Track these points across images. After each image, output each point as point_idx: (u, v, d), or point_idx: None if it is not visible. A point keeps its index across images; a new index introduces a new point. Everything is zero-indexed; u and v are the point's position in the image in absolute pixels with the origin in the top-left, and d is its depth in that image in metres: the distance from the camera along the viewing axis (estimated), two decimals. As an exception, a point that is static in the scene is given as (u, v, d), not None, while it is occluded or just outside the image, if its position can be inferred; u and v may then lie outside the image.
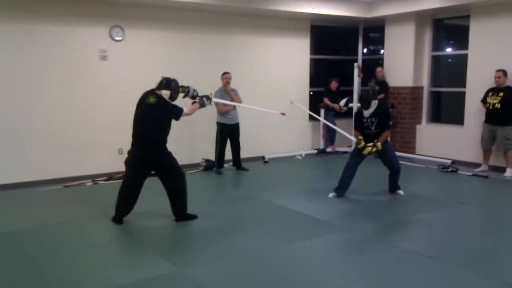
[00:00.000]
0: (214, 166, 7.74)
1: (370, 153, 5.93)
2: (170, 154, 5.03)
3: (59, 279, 3.72)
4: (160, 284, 3.63)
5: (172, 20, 7.74)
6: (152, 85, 7.35)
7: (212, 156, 7.83)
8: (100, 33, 7.14)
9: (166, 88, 4.90)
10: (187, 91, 5.33)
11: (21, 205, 5.88)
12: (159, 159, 4.94)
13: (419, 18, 8.84)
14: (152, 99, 4.88)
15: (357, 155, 6.07)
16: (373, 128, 5.92)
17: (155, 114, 4.86)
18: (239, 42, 8.48)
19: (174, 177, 5.02)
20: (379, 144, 5.83)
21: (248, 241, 4.58)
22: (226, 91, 7.47)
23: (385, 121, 5.93)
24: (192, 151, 8.06)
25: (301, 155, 9.09)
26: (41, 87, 6.79)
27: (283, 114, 6.95)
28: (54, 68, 6.85)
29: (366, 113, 5.90)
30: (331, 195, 6.06)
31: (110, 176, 7.14)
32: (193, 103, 5.25)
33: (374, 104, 5.87)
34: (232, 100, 7.38)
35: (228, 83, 7.50)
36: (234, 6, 7.69)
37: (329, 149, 9.40)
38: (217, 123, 7.58)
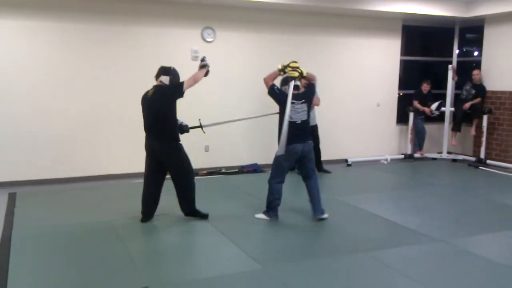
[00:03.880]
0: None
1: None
2: (180, 148, 4.96)
3: (150, 268, 3.93)
4: (246, 281, 3.69)
5: (261, 21, 7.85)
6: (239, 83, 7.51)
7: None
8: (192, 34, 7.42)
9: (165, 74, 4.96)
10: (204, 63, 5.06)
11: (118, 196, 6.26)
12: (167, 151, 4.91)
13: (524, 17, 8.19)
14: (150, 92, 4.95)
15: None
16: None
17: (156, 105, 4.87)
18: (326, 42, 8.39)
19: (181, 173, 4.99)
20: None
21: (331, 245, 4.52)
22: None
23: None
24: (270, 151, 8.07)
25: (386, 160, 8.80)
26: (135, 86, 7.17)
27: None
28: (149, 69, 7.21)
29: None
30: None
31: (197, 173, 7.38)
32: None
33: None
34: None
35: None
36: (324, 6, 7.62)
37: (417, 155, 9.01)
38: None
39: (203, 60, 5.10)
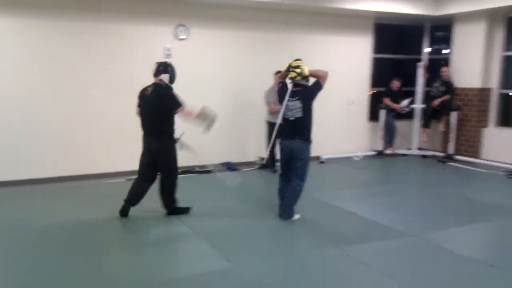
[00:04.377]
0: (268, 164, 7.77)
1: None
2: (172, 147, 5.03)
3: (121, 269, 3.88)
4: (215, 280, 3.68)
5: (234, 19, 7.83)
6: (213, 82, 7.50)
7: (264, 154, 7.86)
8: (165, 32, 7.35)
9: (165, 72, 5.00)
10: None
11: (89, 196, 6.16)
12: (162, 148, 5.00)
13: (491, 16, 8.40)
14: (149, 89, 5.01)
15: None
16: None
17: (153, 104, 4.93)
18: (299, 40, 8.43)
19: (167, 171, 5.09)
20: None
21: (302, 241, 4.57)
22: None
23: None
24: (243, 149, 8.13)
25: (358, 157, 8.92)
26: (107, 84, 7.08)
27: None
28: (120, 65, 7.13)
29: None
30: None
31: (140, 175, 7.31)
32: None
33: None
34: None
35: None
36: (296, 4, 7.66)
37: (388, 151, 9.16)
38: (267, 122, 7.57)
39: (204, 111, 5.07)
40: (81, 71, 6.90)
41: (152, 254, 4.21)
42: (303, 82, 5.06)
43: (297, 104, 4.99)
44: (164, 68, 5.04)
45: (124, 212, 5.15)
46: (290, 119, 5.03)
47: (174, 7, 7.34)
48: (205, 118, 5.04)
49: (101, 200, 5.87)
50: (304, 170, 5.08)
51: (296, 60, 5.11)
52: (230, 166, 7.77)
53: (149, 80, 7.10)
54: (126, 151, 7.24)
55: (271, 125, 7.54)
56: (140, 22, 7.18)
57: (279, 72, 7.44)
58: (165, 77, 5.02)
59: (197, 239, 4.56)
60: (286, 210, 5.14)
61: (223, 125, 7.86)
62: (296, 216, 5.16)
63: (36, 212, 5.43)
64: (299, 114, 4.98)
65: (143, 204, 5.28)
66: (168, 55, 7.31)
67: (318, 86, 5.05)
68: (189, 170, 7.39)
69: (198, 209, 5.41)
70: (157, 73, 5.03)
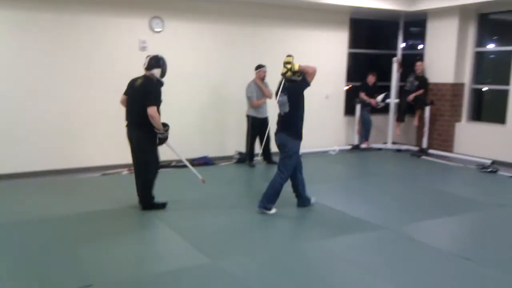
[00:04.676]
0: (246, 158, 7.76)
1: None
2: (150, 141, 5.01)
3: (96, 265, 3.83)
4: (194, 275, 3.66)
5: (211, 12, 7.77)
6: (189, 75, 7.45)
7: (242, 149, 7.87)
8: (139, 24, 7.23)
9: (157, 66, 5.02)
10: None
11: (63, 192, 6.04)
12: (138, 140, 5.02)
13: (463, 12, 8.55)
14: (139, 81, 5.02)
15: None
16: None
17: (140, 95, 4.93)
18: (276, 34, 8.43)
19: (143, 166, 5.09)
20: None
21: (281, 236, 4.59)
22: (259, 85, 7.45)
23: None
24: (222, 144, 8.12)
25: (334, 151, 9.00)
26: (81, 76, 6.95)
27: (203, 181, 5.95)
28: (94, 58, 7.00)
29: None
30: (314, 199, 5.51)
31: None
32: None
33: None
34: (263, 94, 7.40)
35: (264, 77, 7.47)
36: (272, -2, 7.66)
37: (363, 145, 9.27)
38: (249, 116, 7.56)
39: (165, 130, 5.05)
40: (52, 66, 6.74)
41: (127, 251, 4.16)
42: (295, 78, 5.09)
43: (285, 99, 5.07)
44: (156, 62, 5.05)
45: (156, 206, 5.18)
46: (281, 113, 5.15)
47: (149, -1, 7.24)
48: (160, 131, 5.00)
49: (75, 195, 5.77)
50: (285, 164, 5.11)
51: (288, 56, 5.14)
52: (207, 161, 7.72)
53: (124, 73, 7.03)
54: (102, 145, 7.15)
55: (251, 119, 7.54)
56: (114, 14, 7.05)
57: (260, 66, 7.45)
58: (156, 72, 5.04)
59: (174, 234, 4.52)
60: (261, 199, 5.16)
61: (201, 120, 7.86)
62: (272, 211, 5.16)
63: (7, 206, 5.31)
64: (287, 109, 5.06)
65: (121, 198, 5.20)
66: (143, 48, 7.20)
67: (304, 82, 5.09)
68: (166, 165, 7.32)
69: (174, 204, 5.36)
70: (149, 67, 5.03)
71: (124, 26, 7.13)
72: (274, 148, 7.74)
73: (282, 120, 5.14)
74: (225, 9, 7.86)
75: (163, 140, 5.10)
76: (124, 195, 5.64)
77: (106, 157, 7.17)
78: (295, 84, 5.10)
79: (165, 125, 5.05)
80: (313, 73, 5.02)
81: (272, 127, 7.49)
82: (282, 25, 8.48)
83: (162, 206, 5.24)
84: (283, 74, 5.10)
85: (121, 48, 7.15)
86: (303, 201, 5.40)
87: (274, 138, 5.26)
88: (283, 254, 4.08)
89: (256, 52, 8.15)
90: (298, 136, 5.11)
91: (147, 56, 5.13)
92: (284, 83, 5.13)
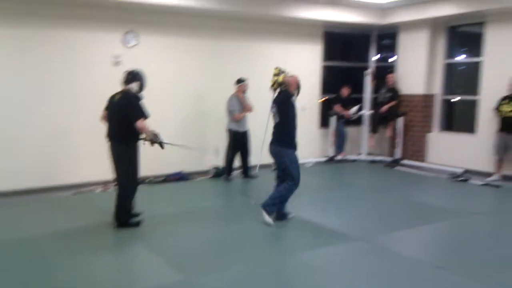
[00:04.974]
0: (223, 173, 7.74)
1: None
2: (130, 157, 5.01)
3: (69, 286, 3.73)
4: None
5: (185, 25, 7.77)
6: (167, 90, 7.41)
7: (220, 163, 7.85)
8: (113, 39, 7.18)
9: (134, 80, 5.06)
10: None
11: (33, 211, 5.90)
12: (118, 155, 5.02)
13: (433, 25, 8.78)
14: (117, 96, 5.06)
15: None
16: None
17: (118, 111, 4.98)
18: (250, 48, 8.48)
19: (119, 180, 5.07)
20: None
21: (258, 250, 4.57)
22: (240, 99, 7.47)
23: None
24: (199, 158, 8.07)
25: (310, 163, 9.05)
26: (53, 92, 6.84)
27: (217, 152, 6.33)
28: (67, 73, 6.89)
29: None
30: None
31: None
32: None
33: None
34: (244, 108, 7.43)
35: (245, 91, 7.51)
36: (247, 12, 7.72)
37: (338, 157, 9.35)
38: (230, 130, 7.56)
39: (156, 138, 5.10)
40: (24, 79, 6.62)
41: (102, 270, 4.08)
42: (282, 89, 5.25)
43: (275, 111, 5.24)
44: (133, 76, 5.10)
45: (130, 223, 5.13)
46: (274, 124, 5.28)
47: (123, 13, 7.19)
48: (152, 140, 5.05)
49: (47, 214, 5.65)
50: (290, 173, 5.18)
51: (275, 68, 5.36)
52: (182, 176, 7.67)
53: (97, 89, 6.98)
54: (75, 163, 7.02)
55: (233, 133, 7.52)
56: (87, 29, 6.98)
57: (241, 80, 7.49)
58: (134, 86, 5.07)
59: (149, 252, 4.45)
60: (266, 201, 5.21)
61: (177, 134, 7.79)
62: (268, 218, 5.17)
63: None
64: (277, 119, 5.21)
65: (94, 216, 5.10)
66: (117, 63, 7.15)
67: (285, 93, 5.23)
68: (141, 181, 7.23)
69: (149, 220, 5.29)
70: (126, 81, 5.07)
71: (97, 41, 7.06)
72: (254, 161, 7.85)
73: (274, 130, 5.28)
74: (198, 23, 7.87)
75: (159, 141, 5.09)
76: (98, 213, 5.55)
77: (79, 175, 7.04)
78: (282, 94, 5.26)
79: (156, 136, 5.09)
80: (292, 83, 5.16)
81: (258, 139, 7.64)
82: (257, 38, 8.54)
83: (136, 224, 5.16)
84: (272, 86, 5.24)
85: (95, 64, 7.07)
86: (280, 215, 5.40)
87: (269, 148, 5.31)
88: (259, 268, 4.06)
89: (233, 66, 8.19)
90: (290, 145, 5.19)
91: (125, 71, 5.16)
92: (274, 95, 5.27)
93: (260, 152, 7.38)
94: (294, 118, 5.18)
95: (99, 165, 7.13)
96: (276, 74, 5.21)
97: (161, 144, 5.08)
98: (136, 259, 4.42)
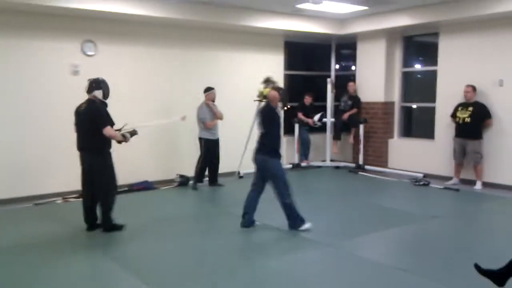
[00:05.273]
0: (188, 182, 7.67)
1: None
2: (105, 165, 5.10)
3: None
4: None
5: (145, 35, 7.69)
6: (125, 101, 7.31)
7: (185, 172, 7.78)
8: (72, 48, 7.02)
9: (97, 88, 5.09)
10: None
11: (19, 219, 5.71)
12: (93, 165, 5.07)
13: (390, 35, 9.04)
14: (83, 106, 5.10)
15: None
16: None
17: (86, 120, 5.03)
18: (213, 57, 8.48)
19: (99, 189, 5.12)
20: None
21: (225, 258, 4.52)
22: (209, 107, 7.45)
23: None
24: (165, 167, 7.98)
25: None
26: (7, 102, 6.60)
27: (183, 118, 6.72)
28: (24, 83, 6.68)
29: None
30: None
31: (81, 194, 6.94)
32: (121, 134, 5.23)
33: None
34: (214, 115, 7.42)
35: (213, 99, 7.50)
36: (208, 21, 7.72)
37: (303, 164, 9.44)
38: (202, 139, 7.50)
39: (133, 134, 5.32)
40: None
41: (64, 283, 3.93)
42: (267, 100, 5.32)
43: (259, 120, 5.32)
44: (96, 84, 5.10)
45: (90, 229, 5.21)
46: (259, 134, 5.36)
47: (81, 22, 7.04)
48: (126, 138, 5.21)
49: (10, 226, 5.47)
50: (279, 186, 5.25)
51: (211, 88, 5.24)
52: (147, 185, 7.53)
53: (55, 98, 6.81)
54: (33, 174, 6.79)
55: (205, 141, 7.47)
56: (45, 38, 6.80)
57: (209, 89, 7.47)
58: (98, 93, 5.08)
59: (115, 265, 4.33)
60: (289, 224, 5.25)
61: (138, 144, 7.66)
62: (305, 226, 5.23)
63: None
64: (262, 130, 5.30)
65: (57, 229, 4.92)
66: (76, 72, 6.99)
67: (268, 107, 5.30)
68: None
69: (119, 234, 5.17)
70: (89, 90, 5.08)
71: (55, 50, 6.88)
72: (222, 169, 7.82)
73: (259, 140, 5.35)
74: (159, 32, 7.80)
75: (131, 134, 5.25)
76: (61, 225, 5.37)
77: (38, 187, 6.80)
78: (267, 106, 5.33)
79: (124, 136, 5.18)
80: (272, 98, 5.24)
81: (227, 146, 7.64)
82: (219, 48, 8.54)
83: (120, 227, 5.23)
84: (258, 97, 5.31)
85: (53, 73, 6.89)
86: (247, 222, 5.39)
87: (253, 158, 5.36)
88: (228, 276, 4.02)
89: (197, 75, 8.16)
90: (274, 155, 5.26)
91: (88, 80, 5.16)
92: (260, 105, 5.38)
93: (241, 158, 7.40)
94: (279, 129, 5.33)
95: (59, 177, 6.95)
96: (265, 82, 5.29)
97: (134, 133, 5.22)
98: (101, 273, 4.27)
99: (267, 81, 5.37)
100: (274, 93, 5.26)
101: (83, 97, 7.09)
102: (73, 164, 6.98)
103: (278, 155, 5.28)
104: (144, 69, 7.75)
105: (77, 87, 6.97)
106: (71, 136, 7.10)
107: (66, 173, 7.02)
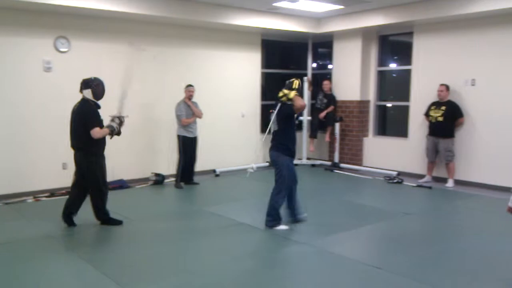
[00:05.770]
0: (164, 180, 7.62)
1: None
2: (96, 163, 5.15)
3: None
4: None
5: (119, 31, 7.58)
6: (106, 98, 7.19)
7: (161, 170, 7.73)
8: (44, 44, 6.87)
9: (86, 87, 5.10)
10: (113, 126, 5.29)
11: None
12: (84, 163, 5.13)
13: (365, 34, 9.13)
14: (76, 105, 5.16)
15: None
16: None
17: (77, 119, 5.09)
18: (190, 54, 8.42)
19: (91, 186, 5.19)
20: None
21: (200, 257, 4.50)
22: (188, 104, 7.41)
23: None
24: (142, 165, 7.90)
25: (252, 168, 9.06)
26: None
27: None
28: (-7, 79, 6.52)
29: None
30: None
31: (52, 193, 6.84)
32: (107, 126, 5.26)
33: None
34: (193, 114, 7.39)
35: (191, 96, 7.45)
36: (185, 19, 7.66)
37: (280, 162, 9.45)
38: (179, 136, 7.45)
39: (120, 123, 5.33)
40: None
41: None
42: (290, 103, 5.33)
43: (274, 118, 5.42)
44: (85, 84, 5.12)
45: (112, 221, 5.37)
46: (273, 132, 5.48)
47: (53, 18, 6.90)
48: (114, 131, 5.26)
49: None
50: (278, 178, 5.37)
51: (189, 86, 5.71)
52: (122, 184, 7.45)
53: (27, 95, 6.69)
54: (2, 173, 6.64)
55: (182, 138, 7.42)
56: (16, 34, 6.64)
57: (187, 86, 7.41)
58: (87, 93, 5.08)
59: (86, 265, 4.26)
60: (266, 220, 5.35)
61: (112, 142, 7.55)
62: (280, 227, 5.27)
63: None
64: (276, 127, 5.41)
65: (25, 229, 4.81)
66: (48, 69, 6.85)
67: (289, 108, 5.31)
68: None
69: (85, 233, 5.08)
70: (80, 89, 5.10)
71: (26, 46, 6.73)
72: (198, 167, 7.79)
73: (273, 137, 5.48)
74: (134, 29, 7.70)
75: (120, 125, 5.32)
76: (31, 225, 5.26)
77: (8, 186, 6.65)
78: (286, 106, 5.36)
79: (111, 128, 5.20)
80: (299, 106, 5.26)
81: (206, 143, 7.59)
82: (196, 45, 8.49)
83: (119, 222, 5.37)
84: (279, 97, 5.37)
85: (25, 69, 6.73)
86: (294, 218, 5.56)
87: (269, 154, 5.50)
88: (200, 275, 4.01)
89: (175, 73, 8.10)
90: (288, 153, 5.39)
91: (83, 79, 5.21)
92: (278, 105, 5.39)
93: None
94: (294, 129, 5.47)
95: (29, 176, 6.81)
96: (291, 88, 5.31)
97: (121, 120, 5.31)
98: (73, 273, 4.20)
99: (291, 86, 5.42)
100: (303, 104, 5.29)
101: (57, 94, 7.03)
102: (45, 162, 6.91)
103: (290, 153, 5.43)
104: (119, 67, 7.62)
105: (50, 84, 6.90)
106: (44, 132, 7.01)
107: (38, 171, 6.89)
